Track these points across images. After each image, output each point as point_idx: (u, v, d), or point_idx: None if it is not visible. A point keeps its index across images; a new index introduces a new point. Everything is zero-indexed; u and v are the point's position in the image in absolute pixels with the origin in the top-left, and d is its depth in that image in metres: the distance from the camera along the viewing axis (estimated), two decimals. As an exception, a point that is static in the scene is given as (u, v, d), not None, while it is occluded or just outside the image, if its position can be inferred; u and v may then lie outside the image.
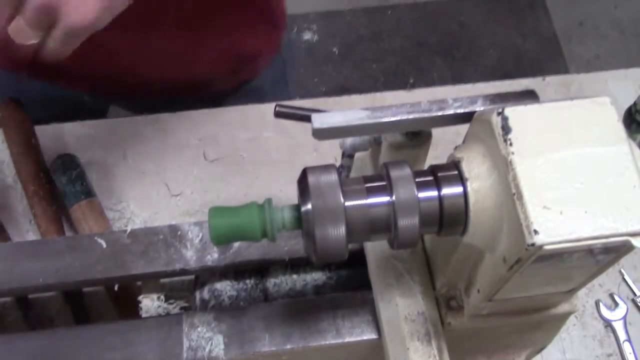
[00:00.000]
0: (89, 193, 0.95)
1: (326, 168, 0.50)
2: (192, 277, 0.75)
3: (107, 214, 0.96)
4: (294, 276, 0.74)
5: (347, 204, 0.49)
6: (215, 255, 0.71)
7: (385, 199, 0.50)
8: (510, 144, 0.46)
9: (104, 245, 0.71)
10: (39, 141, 1.00)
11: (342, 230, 0.49)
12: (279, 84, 1.27)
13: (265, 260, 0.72)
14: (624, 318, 0.93)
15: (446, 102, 0.53)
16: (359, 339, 0.66)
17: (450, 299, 0.61)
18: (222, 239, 0.52)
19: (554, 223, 0.43)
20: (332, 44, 2.44)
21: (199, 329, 0.66)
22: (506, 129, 0.46)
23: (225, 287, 0.73)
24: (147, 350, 0.66)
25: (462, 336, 0.62)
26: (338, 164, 0.67)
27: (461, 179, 0.49)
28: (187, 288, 0.77)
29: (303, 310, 0.68)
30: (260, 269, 0.74)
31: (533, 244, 0.43)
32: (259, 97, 1.19)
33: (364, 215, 0.50)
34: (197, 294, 0.73)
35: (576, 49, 2.48)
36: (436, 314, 0.62)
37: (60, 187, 0.96)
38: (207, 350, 0.65)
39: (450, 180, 0.50)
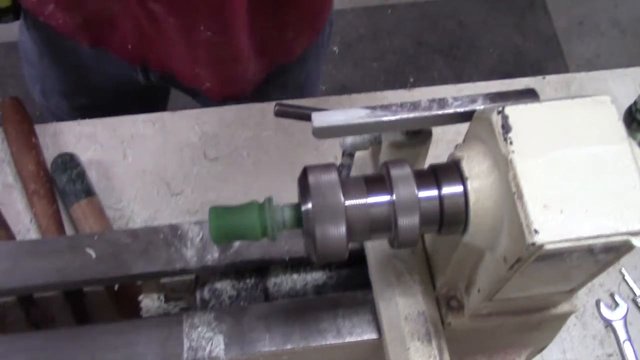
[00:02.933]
0: (89, 192, 0.95)
1: (326, 167, 0.50)
2: (193, 276, 0.75)
3: (107, 213, 0.96)
4: (295, 276, 0.74)
5: (347, 203, 0.49)
6: (216, 255, 0.71)
7: (385, 198, 0.50)
8: (511, 143, 0.46)
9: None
10: (39, 140, 1.00)
11: (342, 229, 0.49)
12: (317, 77, 1.21)
13: (265, 259, 0.72)
14: (625, 318, 0.93)
15: (446, 101, 0.53)
16: (359, 338, 0.66)
17: (450, 299, 0.61)
18: (222, 238, 0.52)
19: (554, 222, 0.43)
20: (333, 43, 2.44)
21: (199, 329, 0.66)
22: (506, 128, 0.46)
23: (226, 287, 0.73)
24: (147, 350, 0.66)
25: (463, 336, 0.62)
26: (338, 162, 0.67)
27: (461, 178, 0.49)
28: (187, 288, 0.77)
29: (303, 310, 0.68)
30: (260, 268, 0.74)
31: (533, 244, 0.43)
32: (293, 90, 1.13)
33: (364, 215, 0.50)
34: (198, 294, 0.73)
35: (576, 48, 2.47)
36: (436, 313, 0.62)
37: (60, 186, 0.96)
38: (207, 350, 0.65)
39: (451, 179, 0.50)
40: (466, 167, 0.49)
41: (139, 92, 1.12)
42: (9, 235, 0.93)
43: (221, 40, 0.95)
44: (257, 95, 1.11)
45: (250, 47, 1.00)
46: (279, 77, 1.11)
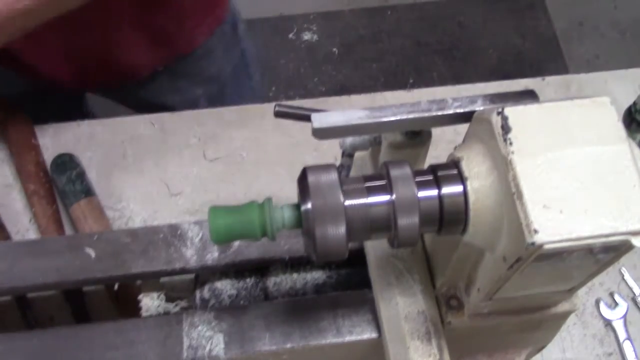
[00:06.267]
0: (88, 192, 0.95)
1: (326, 167, 0.50)
2: (192, 276, 0.75)
3: (107, 213, 0.96)
4: (294, 275, 0.74)
5: (347, 203, 0.49)
6: (216, 254, 0.72)
7: (385, 198, 0.50)
8: (510, 144, 0.46)
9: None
10: (38, 140, 1.00)
11: (342, 229, 0.49)
12: (237, 74, 1.23)
13: (265, 259, 0.72)
14: (624, 317, 0.93)
15: (446, 101, 0.53)
16: (359, 338, 0.66)
17: (450, 298, 0.61)
18: (222, 238, 0.52)
19: (553, 222, 0.43)
20: (332, 44, 2.44)
21: (199, 328, 0.66)
22: (506, 129, 0.46)
23: (226, 286, 0.73)
24: (147, 349, 0.66)
25: (463, 335, 0.62)
26: (338, 163, 0.67)
27: (461, 178, 0.49)
28: (187, 287, 0.77)
29: (303, 309, 0.68)
30: (260, 267, 0.74)
31: (533, 243, 0.43)
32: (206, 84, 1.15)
33: (364, 215, 0.50)
34: (198, 293, 0.73)
35: (576, 49, 2.48)
36: (436, 312, 0.62)
37: (60, 186, 0.96)
38: (207, 349, 0.65)
39: (450, 180, 0.50)
40: (466, 167, 0.49)
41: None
42: (5, 236, 0.93)
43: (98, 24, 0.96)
44: (156, 83, 1.13)
45: (135, 36, 1.02)
46: (183, 67, 1.12)
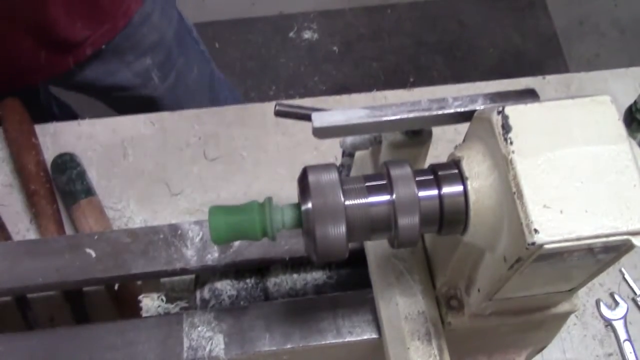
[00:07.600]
0: (89, 192, 0.95)
1: (326, 167, 0.50)
2: (193, 276, 0.75)
3: (107, 213, 0.96)
4: (295, 275, 0.74)
5: (347, 202, 0.49)
6: (216, 255, 0.71)
7: (385, 197, 0.50)
8: (511, 143, 0.46)
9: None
10: (38, 140, 1.00)
11: (342, 229, 0.49)
12: (181, 37, 1.22)
13: (265, 259, 0.72)
14: (625, 317, 0.93)
15: (446, 101, 0.53)
16: (359, 338, 0.66)
17: (450, 298, 0.61)
18: (222, 238, 0.52)
19: (554, 222, 0.43)
20: (332, 43, 2.44)
21: (199, 329, 0.66)
22: (506, 128, 0.46)
23: (226, 287, 0.73)
24: (147, 350, 0.66)
25: (463, 335, 0.62)
26: (338, 162, 0.67)
27: (461, 178, 0.49)
28: (187, 287, 0.77)
29: (303, 309, 0.68)
30: (260, 268, 0.74)
31: (533, 243, 0.43)
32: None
33: (365, 214, 0.50)
34: (198, 294, 0.73)
35: (576, 48, 2.47)
36: (436, 313, 0.62)
37: (60, 186, 0.96)
38: (207, 349, 0.65)
39: (451, 179, 0.50)
40: (466, 167, 0.49)
41: None
42: (6, 236, 0.93)
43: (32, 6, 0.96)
44: (105, 62, 1.13)
45: (71, 13, 1.02)
46: (125, 39, 1.13)
